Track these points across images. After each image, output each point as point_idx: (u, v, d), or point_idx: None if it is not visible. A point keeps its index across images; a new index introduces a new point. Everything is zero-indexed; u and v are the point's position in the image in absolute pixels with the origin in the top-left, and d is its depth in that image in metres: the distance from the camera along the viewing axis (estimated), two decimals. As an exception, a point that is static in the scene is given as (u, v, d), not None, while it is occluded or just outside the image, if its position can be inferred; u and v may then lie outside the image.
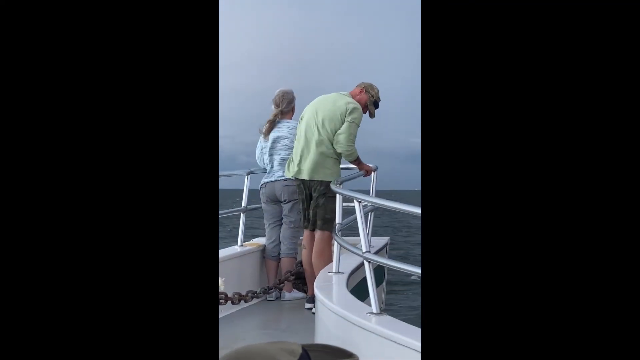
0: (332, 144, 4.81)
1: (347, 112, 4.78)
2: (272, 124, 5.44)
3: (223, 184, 5.50)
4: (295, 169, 4.95)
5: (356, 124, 4.80)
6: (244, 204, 5.56)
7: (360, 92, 5.02)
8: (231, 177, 5.66)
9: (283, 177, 5.32)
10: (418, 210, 2.70)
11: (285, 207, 5.39)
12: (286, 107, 5.45)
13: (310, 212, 4.91)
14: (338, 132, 4.76)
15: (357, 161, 4.99)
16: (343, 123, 4.77)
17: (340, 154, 4.85)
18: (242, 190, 5.59)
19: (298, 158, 4.92)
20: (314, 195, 4.89)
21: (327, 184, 4.76)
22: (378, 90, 5.06)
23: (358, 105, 4.86)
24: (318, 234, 4.87)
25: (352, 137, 4.78)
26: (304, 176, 4.91)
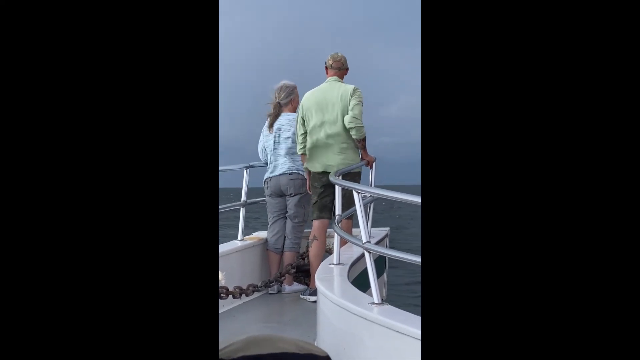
0: (347, 132, 4.90)
1: (352, 92, 4.92)
2: (275, 117, 5.40)
3: (220, 181, 5.51)
4: (318, 165, 5.02)
5: (362, 102, 4.92)
6: (243, 198, 5.51)
7: (345, 72, 5.13)
8: (229, 173, 5.65)
9: (289, 171, 5.29)
10: (418, 200, 2.64)
11: (291, 201, 5.34)
12: (284, 99, 5.40)
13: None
14: (349, 110, 4.89)
15: (363, 143, 5.00)
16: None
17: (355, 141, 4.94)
18: (239, 187, 5.58)
19: (318, 153, 5.00)
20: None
21: (354, 174, 4.89)
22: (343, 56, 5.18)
23: (357, 86, 5.00)
24: (344, 222, 4.87)
25: (360, 113, 4.89)
26: (328, 169, 4.95)
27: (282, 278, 5.18)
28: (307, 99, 5.08)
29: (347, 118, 4.87)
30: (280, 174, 5.33)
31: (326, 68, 5.15)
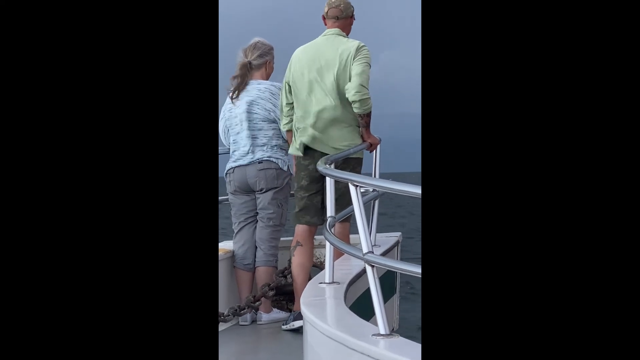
0: (346, 103, 4.31)
1: (355, 52, 4.29)
2: (242, 82, 4.65)
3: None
4: (298, 144, 4.40)
5: (368, 63, 4.32)
6: None
7: (349, 19, 4.48)
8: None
9: (258, 159, 4.62)
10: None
11: (263, 199, 4.67)
12: (257, 59, 4.67)
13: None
14: (351, 74, 4.30)
15: (367, 120, 4.37)
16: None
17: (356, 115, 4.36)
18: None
19: (307, 132, 4.37)
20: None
21: (350, 161, 4.34)
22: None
23: (363, 43, 4.43)
24: (337, 227, 4.25)
25: (367, 80, 4.29)
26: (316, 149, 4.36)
27: (257, 303, 4.62)
28: (297, 59, 4.43)
29: (350, 86, 4.25)
30: (247, 164, 4.67)
31: (323, 18, 4.51)
